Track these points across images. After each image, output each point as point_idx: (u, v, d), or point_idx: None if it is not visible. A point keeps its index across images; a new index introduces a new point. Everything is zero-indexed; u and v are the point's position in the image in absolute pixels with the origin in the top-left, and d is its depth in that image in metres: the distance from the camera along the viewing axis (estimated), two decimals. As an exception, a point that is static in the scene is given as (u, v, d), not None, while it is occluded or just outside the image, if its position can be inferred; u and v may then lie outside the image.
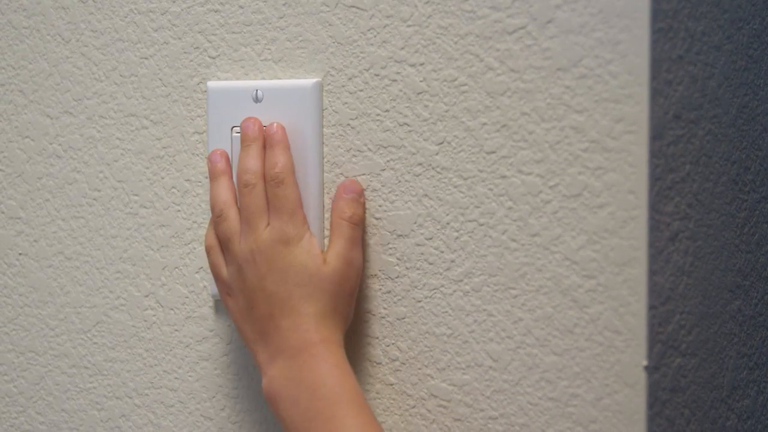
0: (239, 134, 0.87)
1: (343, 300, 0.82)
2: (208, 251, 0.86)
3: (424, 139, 0.82)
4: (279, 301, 0.81)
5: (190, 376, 0.94)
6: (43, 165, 0.99)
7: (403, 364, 0.84)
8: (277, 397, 0.80)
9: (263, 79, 0.88)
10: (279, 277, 0.81)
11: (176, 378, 0.95)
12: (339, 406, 0.78)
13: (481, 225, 0.80)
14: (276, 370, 0.81)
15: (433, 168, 0.82)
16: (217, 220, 0.85)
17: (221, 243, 0.85)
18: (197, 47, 0.91)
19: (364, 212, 0.85)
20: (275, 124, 0.85)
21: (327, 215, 0.86)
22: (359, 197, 0.84)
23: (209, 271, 0.91)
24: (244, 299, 0.83)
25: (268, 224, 0.82)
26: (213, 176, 0.86)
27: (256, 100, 0.87)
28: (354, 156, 0.85)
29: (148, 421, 0.96)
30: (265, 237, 0.82)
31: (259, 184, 0.83)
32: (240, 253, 0.83)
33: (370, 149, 0.84)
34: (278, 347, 0.81)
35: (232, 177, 0.86)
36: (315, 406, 0.78)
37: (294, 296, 0.81)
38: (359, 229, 0.84)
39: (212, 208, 0.85)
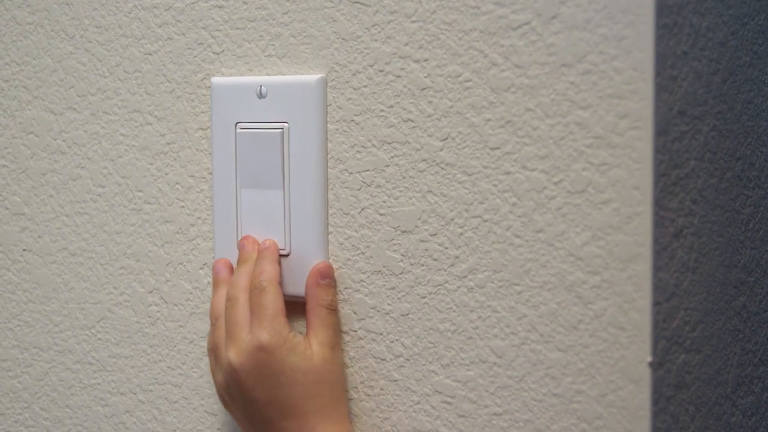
0: (243, 130, 0.87)
1: (339, 386, 0.83)
2: (209, 354, 0.88)
3: (429, 135, 0.82)
4: (277, 407, 0.81)
5: (194, 372, 0.94)
6: (47, 161, 0.99)
7: (408, 360, 0.84)
8: None
9: (267, 74, 0.88)
10: (271, 383, 0.81)
11: (180, 374, 0.95)
12: None
13: (486, 221, 0.80)
14: None
15: (437, 164, 0.81)
16: (212, 327, 0.87)
17: (212, 350, 0.87)
18: (201, 43, 0.91)
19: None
20: (268, 241, 0.86)
21: (331, 211, 0.86)
22: (333, 282, 0.86)
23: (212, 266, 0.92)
24: (239, 409, 0.84)
25: (249, 333, 0.83)
26: (214, 285, 0.89)
27: (260, 95, 0.87)
28: (358, 152, 0.85)
29: (152, 417, 0.96)
30: (245, 346, 0.82)
31: (242, 296, 0.84)
32: (224, 363, 0.83)
33: (374, 145, 0.84)
34: None
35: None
36: None
37: (292, 397, 0.81)
38: (337, 314, 0.86)
39: (210, 315, 0.88)
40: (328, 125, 0.86)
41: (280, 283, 0.85)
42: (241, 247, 0.88)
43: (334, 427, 0.81)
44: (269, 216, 0.87)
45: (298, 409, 0.81)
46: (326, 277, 0.85)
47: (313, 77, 0.85)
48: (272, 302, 0.83)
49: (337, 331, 0.85)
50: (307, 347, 0.82)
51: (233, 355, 0.82)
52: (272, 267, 0.85)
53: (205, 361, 0.94)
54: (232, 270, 0.89)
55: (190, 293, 0.94)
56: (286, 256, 0.87)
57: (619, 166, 0.75)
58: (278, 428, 0.81)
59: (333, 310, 0.85)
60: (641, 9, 0.73)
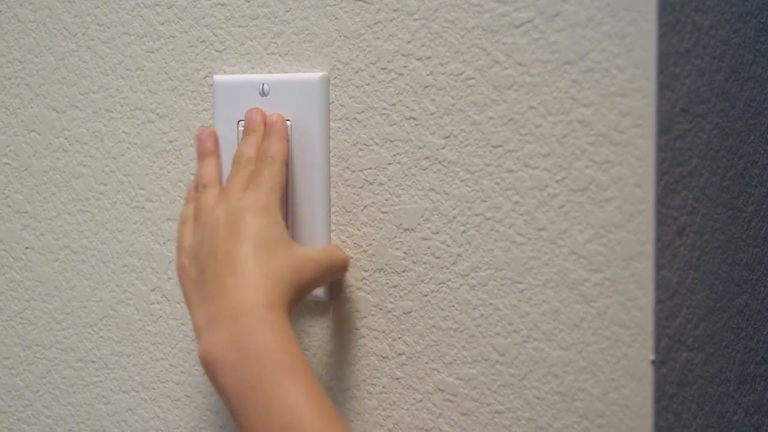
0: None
1: (303, 279, 0.79)
2: (181, 225, 0.84)
3: (431, 133, 0.82)
4: (230, 261, 0.77)
5: (196, 369, 0.94)
6: (50, 159, 0.99)
7: (410, 358, 0.84)
8: (216, 362, 0.74)
9: (270, 72, 0.88)
10: (238, 238, 0.78)
11: (183, 372, 0.95)
12: (284, 373, 0.72)
13: (488, 219, 0.80)
14: (215, 332, 0.75)
15: (439, 162, 0.81)
16: (197, 193, 0.83)
17: (195, 215, 0.83)
18: (203, 41, 0.91)
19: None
20: (275, 115, 0.85)
21: (334, 209, 0.86)
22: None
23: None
24: (198, 264, 0.79)
25: (242, 196, 0.80)
26: (201, 155, 0.86)
27: (263, 93, 0.87)
28: (360, 150, 0.85)
29: (155, 415, 0.97)
30: (236, 204, 0.79)
31: (249, 166, 0.82)
32: (208, 219, 0.80)
33: (376, 143, 0.84)
34: (220, 308, 0.76)
35: (219, 158, 0.85)
36: (258, 372, 0.72)
37: (248, 257, 0.77)
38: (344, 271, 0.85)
39: (196, 183, 0.84)
40: (331, 123, 0.86)
41: (286, 163, 0.84)
42: (249, 118, 0.85)
43: (276, 299, 0.76)
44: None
45: (247, 269, 0.76)
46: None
47: (316, 75, 0.85)
48: (276, 175, 0.81)
49: (335, 271, 0.84)
50: (293, 244, 0.80)
51: (222, 209, 0.79)
52: (281, 144, 0.83)
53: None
54: (218, 141, 0.86)
55: (193, 291, 0.94)
56: (287, 134, 0.86)
57: (621, 163, 0.74)
58: (221, 285, 0.77)
59: (344, 270, 0.85)
60: (644, 7, 0.73)
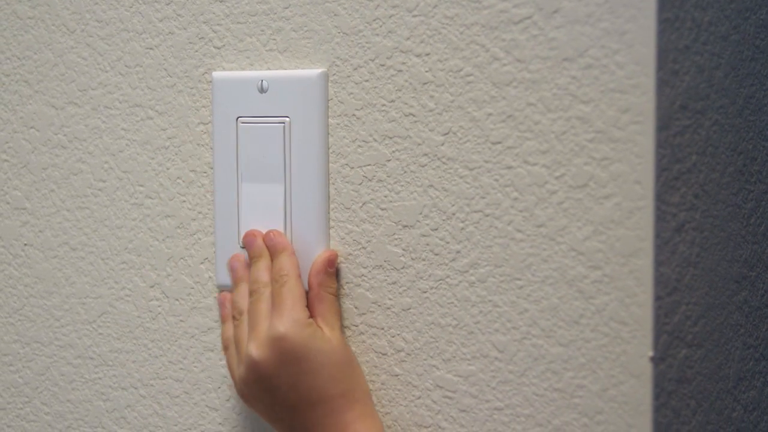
0: (245, 125, 0.87)
1: (358, 368, 0.84)
2: (227, 348, 0.89)
3: (430, 130, 0.82)
4: (301, 393, 0.81)
5: (195, 366, 0.94)
6: (48, 155, 0.99)
7: (409, 354, 0.84)
8: None
9: (268, 69, 0.88)
10: (293, 370, 0.81)
11: (181, 369, 0.95)
12: None
13: (487, 216, 0.80)
14: None
15: (438, 158, 0.81)
16: (235, 322, 0.87)
17: (236, 344, 0.87)
18: (202, 37, 0.91)
19: None
20: (273, 232, 0.87)
21: (332, 206, 0.86)
22: (335, 270, 0.86)
23: (213, 261, 0.92)
24: (261, 402, 0.84)
25: (269, 325, 0.83)
26: (234, 283, 0.89)
27: (262, 90, 0.87)
28: (359, 146, 0.85)
29: (154, 412, 0.96)
30: (264, 337, 0.82)
31: (266, 291, 0.85)
32: (245, 356, 0.83)
33: (375, 140, 0.84)
34: None
35: (249, 282, 0.88)
36: None
37: (316, 382, 0.81)
38: (338, 299, 0.86)
39: (233, 311, 0.88)
40: (330, 120, 0.86)
41: (299, 277, 0.85)
42: (249, 244, 0.87)
43: (361, 409, 0.81)
44: (270, 211, 0.87)
45: (323, 393, 0.81)
46: (333, 266, 0.85)
47: (315, 72, 0.85)
48: (291, 292, 0.83)
49: (340, 317, 0.86)
50: (324, 333, 0.83)
51: (253, 347, 0.82)
52: (290, 261, 0.85)
53: (207, 356, 0.94)
54: (247, 267, 0.89)
55: (192, 288, 0.94)
56: (293, 250, 0.87)
57: (620, 160, 0.74)
58: (304, 416, 0.81)
59: (336, 296, 0.86)
60: (643, 3, 0.73)
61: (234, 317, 0.87)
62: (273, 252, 0.86)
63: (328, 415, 0.80)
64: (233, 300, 0.88)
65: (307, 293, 0.85)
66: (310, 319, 0.83)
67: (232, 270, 0.89)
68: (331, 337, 0.83)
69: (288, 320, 0.81)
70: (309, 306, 0.84)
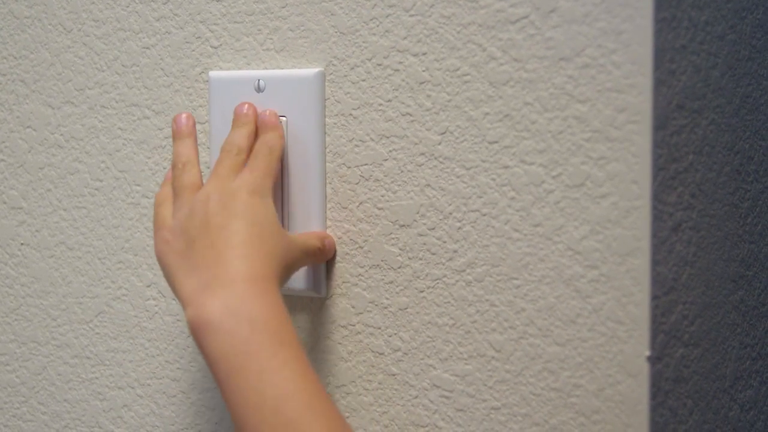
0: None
1: (291, 261, 0.80)
2: (159, 204, 0.82)
3: (427, 129, 0.82)
4: (224, 233, 0.76)
5: (192, 366, 0.94)
6: (45, 155, 0.99)
7: (406, 354, 0.84)
8: (208, 326, 0.73)
9: (265, 68, 0.88)
10: (232, 213, 0.77)
11: (178, 368, 0.95)
12: (279, 345, 0.72)
13: (484, 215, 0.80)
14: (210, 298, 0.74)
15: (435, 158, 0.81)
16: (177, 172, 0.82)
17: (174, 193, 0.82)
18: (199, 37, 0.91)
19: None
20: (269, 110, 0.85)
21: (329, 205, 0.86)
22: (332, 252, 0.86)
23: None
24: (186, 237, 0.78)
25: (237, 178, 0.79)
26: (178, 136, 0.84)
27: (258, 89, 0.87)
28: (356, 146, 0.85)
29: (150, 412, 0.96)
30: (229, 183, 0.79)
31: (241, 155, 0.81)
32: (198, 196, 0.79)
33: (372, 139, 0.84)
34: (215, 275, 0.75)
35: (196, 140, 0.84)
36: (253, 340, 0.72)
37: (242, 230, 0.76)
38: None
39: (174, 163, 0.83)
40: (326, 119, 0.86)
41: (281, 159, 0.84)
42: (239, 111, 0.84)
43: (271, 273, 0.77)
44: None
45: (247, 242, 0.76)
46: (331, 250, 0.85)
47: (311, 71, 0.85)
48: (269, 163, 0.81)
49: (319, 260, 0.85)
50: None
51: (213, 186, 0.78)
52: (278, 139, 0.83)
53: (203, 356, 0.94)
54: (195, 124, 0.85)
55: (188, 287, 0.94)
56: (283, 132, 0.86)
57: (617, 159, 0.74)
58: (217, 254, 0.76)
59: (328, 254, 0.85)
60: (640, 3, 0.73)
61: (180, 167, 0.82)
62: (262, 128, 0.84)
63: (240, 259, 0.75)
64: (174, 153, 0.84)
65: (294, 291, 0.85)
66: (273, 204, 0.79)
67: (177, 123, 0.85)
68: (297, 236, 0.81)
69: (257, 185, 0.79)
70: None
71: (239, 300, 0.73)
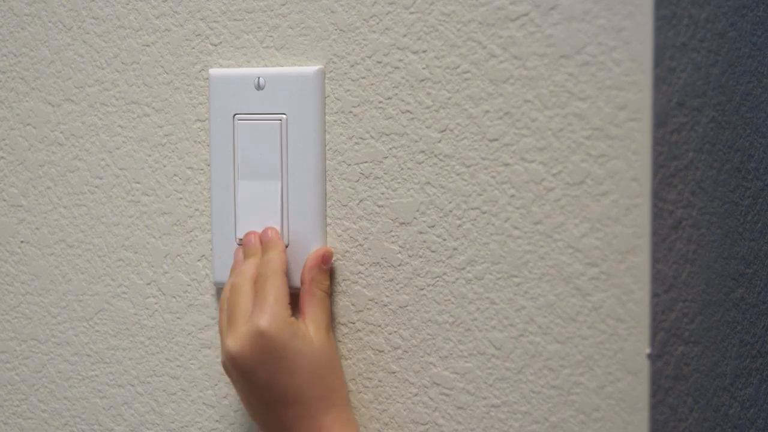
0: (241, 122, 0.87)
1: (340, 371, 0.83)
2: (221, 308, 0.87)
3: (427, 127, 0.81)
4: (277, 393, 0.80)
5: (192, 363, 0.94)
6: (45, 153, 0.99)
7: (406, 352, 0.84)
8: None
9: (265, 66, 0.88)
10: (271, 368, 0.80)
11: (178, 366, 0.95)
12: None
13: (484, 213, 0.80)
14: None
15: (435, 155, 0.81)
16: (220, 315, 0.87)
17: (219, 333, 0.86)
18: (199, 34, 0.91)
19: None
20: (270, 231, 0.86)
21: (329, 203, 0.86)
22: (329, 268, 0.86)
23: (210, 258, 0.92)
24: (241, 393, 0.83)
25: (249, 319, 0.81)
26: (231, 272, 0.88)
27: (258, 87, 0.87)
28: (356, 143, 0.84)
29: (150, 409, 0.96)
30: (243, 332, 0.81)
31: (246, 285, 0.83)
32: (223, 349, 0.82)
33: (372, 137, 0.84)
34: None
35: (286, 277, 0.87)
36: None
37: (293, 383, 0.80)
38: (329, 297, 0.86)
39: (220, 303, 0.87)
40: (327, 117, 0.86)
41: (286, 273, 0.85)
42: (246, 242, 0.87)
43: (338, 414, 0.81)
44: (267, 208, 0.87)
45: (300, 395, 0.80)
46: (327, 263, 0.85)
47: (312, 69, 0.85)
48: (275, 289, 0.82)
49: (330, 316, 0.85)
50: (306, 331, 0.82)
51: (231, 341, 0.81)
52: (279, 257, 0.84)
53: (204, 353, 0.94)
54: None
55: (188, 285, 0.94)
56: (285, 247, 0.87)
57: (617, 157, 0.74)
58: (278, 416, 0.80)
59: (328, 293, 0.85)
60: (640, 0, 0.73)
61: (221, 308, 0.87)
62: (264, 248, 0.86)
63: (303, 417, 0.80)
64: (223, 290, 0.87)
65: (299, 290, 0.85)
66: (293, 318, 0.81)
67: (234, 258, 0.89)
68: (315, 338, 0.82)
69: (269, 316, 0.80)
70: (300, 302, 0.84)
71: None
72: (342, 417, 0.81)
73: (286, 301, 0.82)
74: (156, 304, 0.95)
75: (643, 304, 0.75)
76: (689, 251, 0.80)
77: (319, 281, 0.84)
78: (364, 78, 0.84)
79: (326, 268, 0.85)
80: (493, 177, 0.79)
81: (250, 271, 0.84)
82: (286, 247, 0.86)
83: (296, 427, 0.80)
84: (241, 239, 0.88)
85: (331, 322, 0.86)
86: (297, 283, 0.86)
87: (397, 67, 0.82)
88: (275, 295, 0.81)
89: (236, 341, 0.81)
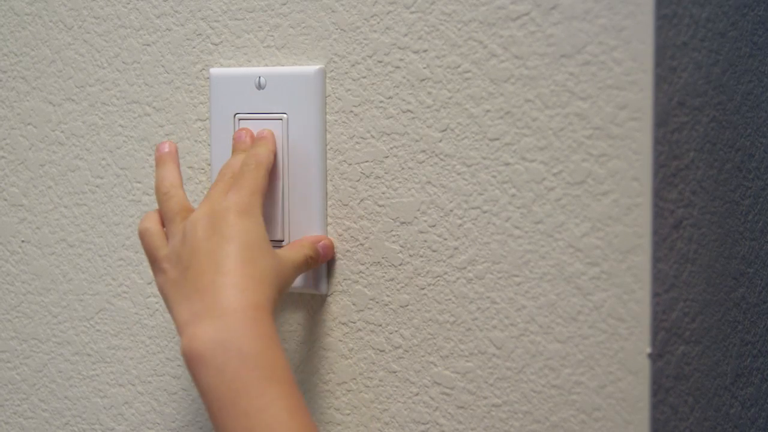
0: (242, 121, 0.87)
1: (283, 282, 0.79)
2: (144, 234, 0.82)
3: (428, 126, 0.81)
4: (215, 259, 0.76)
5: (193, 363, 0.94)
6: (46, 152, 0.99)
7: (407, 351, 0.84)
8: (200, 360, 0.72)
9: (266, 65, 0.88)
10: (221, 237, 0.76)
11: (179, 365, 0.95)
12: (269, 382, 0.71)
13: (485, 212, 0.80)
14: (201, 328, 0.73)
15: (436, 155, 0.81)
16: (163, 197, 0.82)
17: (165, 221, 0.81)
18: (200, 34, 0.91)
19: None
20: (266, 130, 0.85)
21: (330, 202, 0.86)
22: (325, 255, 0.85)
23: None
24: (179, 265, 0.78)
25: (224, 198, 0.79)
26: (161, 162, 0.84)
27: (259, 87, 0.87)
28: (357, 143, 0.84)
29: (151, 409, 0.96)
30: (217, 205, 0.78)
31: (230, 174, 0.81)
32: (189, 221, 0.78)
33: (373, 136, 0.84)
34: (207, 305, 0.74)
35: (179, 165, 0.84)
36: (242, 377, 0.71)
37: (232, 255, 0.76)
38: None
39: (157, 189, 0.83)
40: (327, 116, 0.86)
41: (269, 171, 0.82)
42: (237, 137, 0.85)
43: (264, 300, 0.76)
44: (268, 207, 0.87)
45: (237, 269, 0.75)
46: (331, 254, 0.85)
47: (312, 68, 0.85)
48: (255, 179, 0.80)
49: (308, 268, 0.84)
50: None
51: (202, 211, 0.78)
52: (266, 151, 0.83)
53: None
54: (177, 150, 0.86)
55: (189, 284, 0.94)
56: (275, 148, 0.85)
57: (618, 157, 0.74)
58: (209, 281, 0.75)
59: (318, 262, 0.84)
60: (641, -1, 0.73)
61: (164, 193, 0.82)
62: (255, 142, 0.84)
63: (230, 288, 0.75)
64: (157, 179, 0.83)
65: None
66: (263, 222, 0.79)
67: (159, 149, 0.85)
68: (286, 253, 0.80)
69: (244, 204, 0.78)
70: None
71: (230, 332, 0.73)
72: (268, 306, 0.76)
73: (262, 193, 0.80)
74: (157, 303, 0.95)
75: (644, 304, 0.75)
76: (690, 251, 0.80)
77: (325, 255, 0.85)
78: (364, 77, 0.84)
79: (329, 255, 0.85)
80: (493, 176, 0.79)
81: (237, 165, 0.82)
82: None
83: (219, 295, 0.75)
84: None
85: (329, 320, 0.86)
86: (298, 283, 0.86)
87: (397, 67, 0.82)
88: (252, 189, 0.79)
89: (209, 208, 0.78)
